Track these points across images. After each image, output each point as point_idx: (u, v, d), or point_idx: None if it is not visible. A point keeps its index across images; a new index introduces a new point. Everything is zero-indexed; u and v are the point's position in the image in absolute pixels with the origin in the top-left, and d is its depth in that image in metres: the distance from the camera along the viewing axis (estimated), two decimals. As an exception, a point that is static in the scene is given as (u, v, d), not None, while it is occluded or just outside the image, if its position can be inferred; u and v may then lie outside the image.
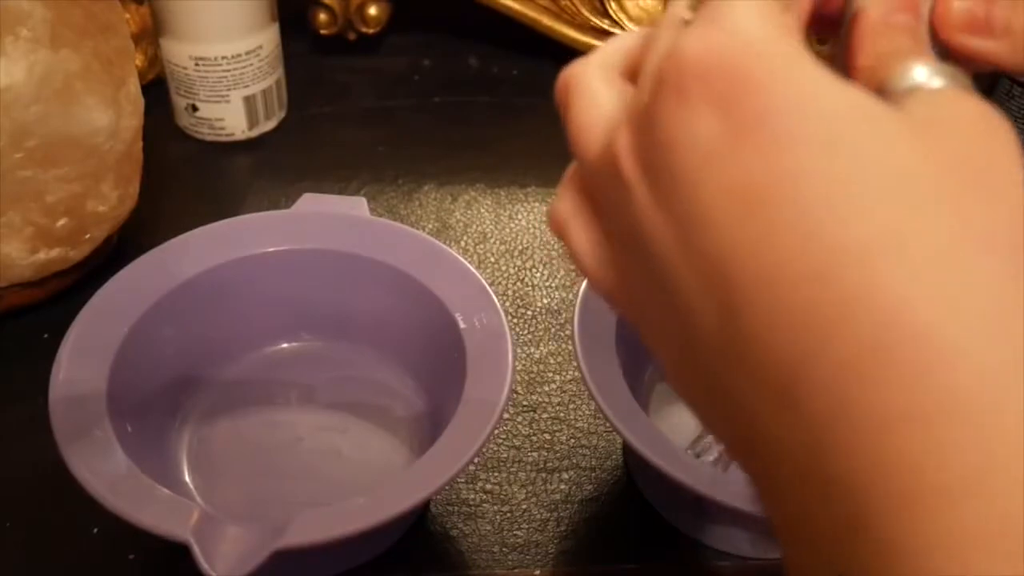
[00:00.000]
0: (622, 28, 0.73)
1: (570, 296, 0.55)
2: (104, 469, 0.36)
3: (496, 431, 0.40)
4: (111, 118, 0.48)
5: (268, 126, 0.66)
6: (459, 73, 0.74)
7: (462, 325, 0.43)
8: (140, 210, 0.54)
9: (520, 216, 0.61)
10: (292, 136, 0.67)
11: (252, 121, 0.65)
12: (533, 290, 0.56)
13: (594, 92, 0.23)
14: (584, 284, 0.44)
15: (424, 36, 0.77)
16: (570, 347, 0.48)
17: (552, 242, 0.59)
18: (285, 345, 0.49)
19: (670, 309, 0.21)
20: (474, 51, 0.76)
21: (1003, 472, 0.16)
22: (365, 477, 0.44)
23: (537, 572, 0.43)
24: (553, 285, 0.56)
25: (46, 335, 0.49)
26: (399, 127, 0.69)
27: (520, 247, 0.59)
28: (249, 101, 0.64)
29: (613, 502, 0.45)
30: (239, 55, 0.62)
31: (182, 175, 0.63)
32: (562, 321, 0.54)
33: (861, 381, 0.17)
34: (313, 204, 0.49)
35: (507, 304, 0.55)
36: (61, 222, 0.48)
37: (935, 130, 0.19)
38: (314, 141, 0.67)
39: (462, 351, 0.42)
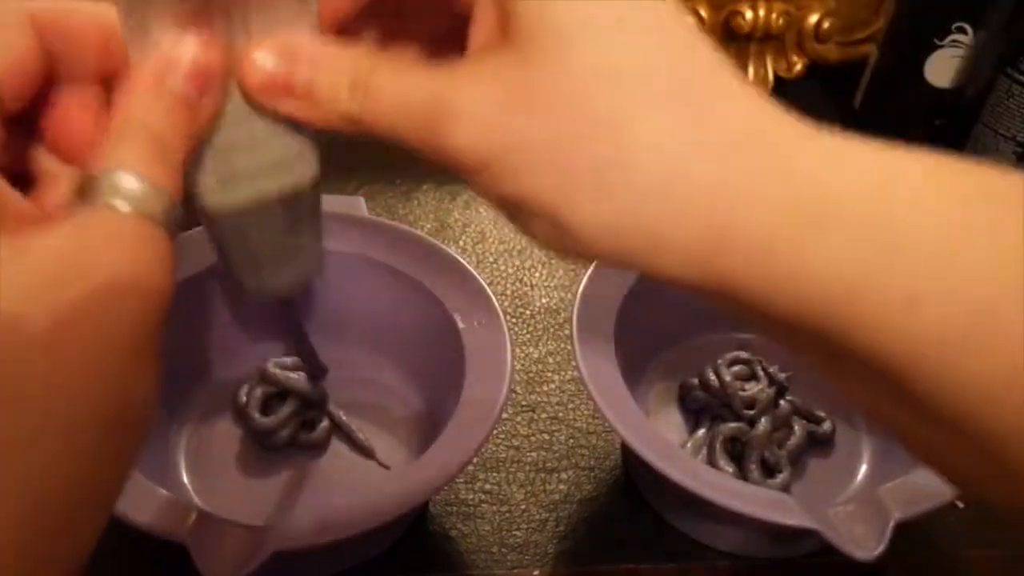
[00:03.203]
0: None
1: (569, 296, 0.55)
2: (102, 470, 0.36)
3: (495, 431, 0.40)
4: (109, 118, 0.48)
5: (266, 126, 0.66)
6: (457, 72, 0.74)
7: (461, 325, 0.43)
8: (138, 210, 0.54)
9: (519, 216, 0.61)
10: (290, 136, 0.67)
11: (250, 121, 0.65)
12: (532, 290, 0.56)
13: None
14: (584, 283, 0.44)
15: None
16: (569, 347, 0.48)
17: (551, 242, 0.59)
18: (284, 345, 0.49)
19: None
20: (472, 50, 0.76)
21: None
22: (365, 477, 0.44)
23: (536, 572, 0.43)
24: (552, 285, 0.56)
25: (44, 335, 0.49)
26: (397, 127, 0.69)
27: (519, 247, 0.59)
28: (247, 101, 0.64)
29: (612, 502, 0.45)
30: (237, 55, 0.61)
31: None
32: (561, 321, 0.54)
33: None
34: (311, 204, 0.49)
35: (506, 304, 0.55)
36: (59, 222, 0.48)
37: None
38: (312, 141, 0.67)
39: (461, 351, 0.42)
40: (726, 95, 0.21)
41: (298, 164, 0.27)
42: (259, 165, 0.26)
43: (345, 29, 0.26)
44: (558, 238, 0.22)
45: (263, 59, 0.24)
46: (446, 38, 0.25)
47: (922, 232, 0.20)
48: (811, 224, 0.20)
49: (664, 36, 0.21)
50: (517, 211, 0.22)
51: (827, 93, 0.74)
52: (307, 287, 0.31)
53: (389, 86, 0.23)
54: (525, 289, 0.56)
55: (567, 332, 0.52)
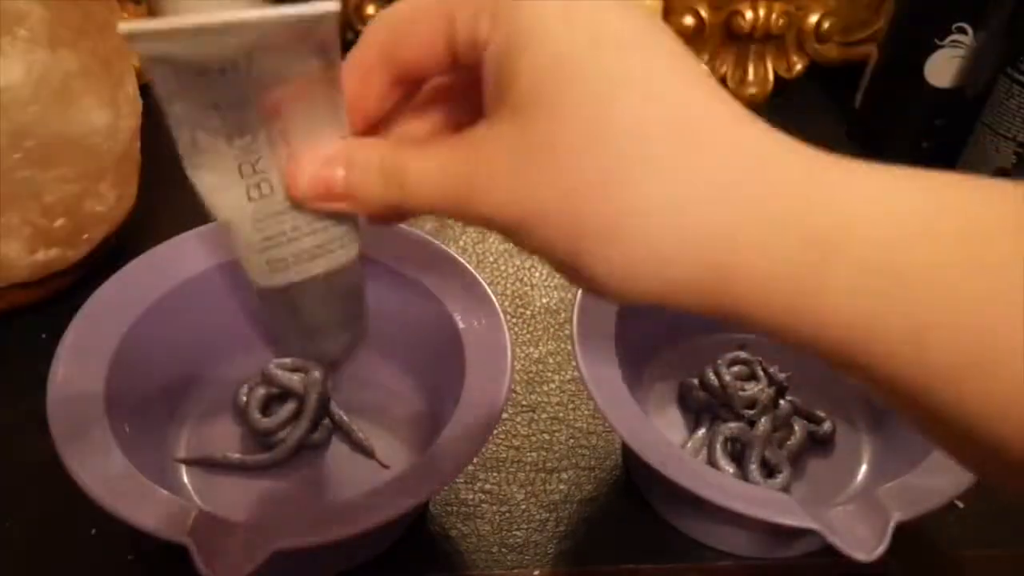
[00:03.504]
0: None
1: (569, 296, 0.55)
2: (102, 470, 0.36)
3: (495, 431, 0.40)
4: (109, 118, 0.48)
5: (266, 126, 0.66)
6: (457, 72, 0.74)
7: (461, 325, 0.43)
8: (138, 210, 0.54)
9: (519, 216, 0.61)
10: (290, 136, 0.67)
11: (250, 121, 0.65)
12: (532, 289, 0.56)
13: None
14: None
15: (422, 35, 0.76)
16: (569, 347, 0.48)
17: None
18: (284, 345, 0.49)
19: None
20: (472, 50, 0.76)
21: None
22: (365, 477, 0.44)
23: (536, 572, 0.43)
24: (552, 285, 0.56)
25: (44, 335, 0.49)
26: (397, 127, 0.69)
27: (519, 247, 0.59)
28: (247, 101, 0.64)
29: (612, 502, 0.45)
30: (237, 55, 0.61)
31: (180, 175, 0.63)
32: (561, 320, 0.54)
33: None
34: (311, 204, 0.49)
35: (506, 304, 0.55)
36: (59, 222, 0.48)
37: None
38: (312, 141, 0.67)
39: (461, 351, 0.42)
40: (722, 137, 0.22)
41: (341, 247, 0.29)
42: (305, 251, 0.28)
43: (375, 127, 0.27)
44: (584, 286, 0.24)
45: (303, 171, 0.26)
46: (470, 94, 0.26)
47: (928, 267, 0.20)
48: (813, 260, 0.21)
49: (654, 87, 0.22)
50: (549, 262, 0.24)
51: (827, 93, 0.74)
52: (351, 353, 0.35)
53: (421, 174, 0.25)
54: (525, 289, 0.56)
55: (567, 332, 0.52)
